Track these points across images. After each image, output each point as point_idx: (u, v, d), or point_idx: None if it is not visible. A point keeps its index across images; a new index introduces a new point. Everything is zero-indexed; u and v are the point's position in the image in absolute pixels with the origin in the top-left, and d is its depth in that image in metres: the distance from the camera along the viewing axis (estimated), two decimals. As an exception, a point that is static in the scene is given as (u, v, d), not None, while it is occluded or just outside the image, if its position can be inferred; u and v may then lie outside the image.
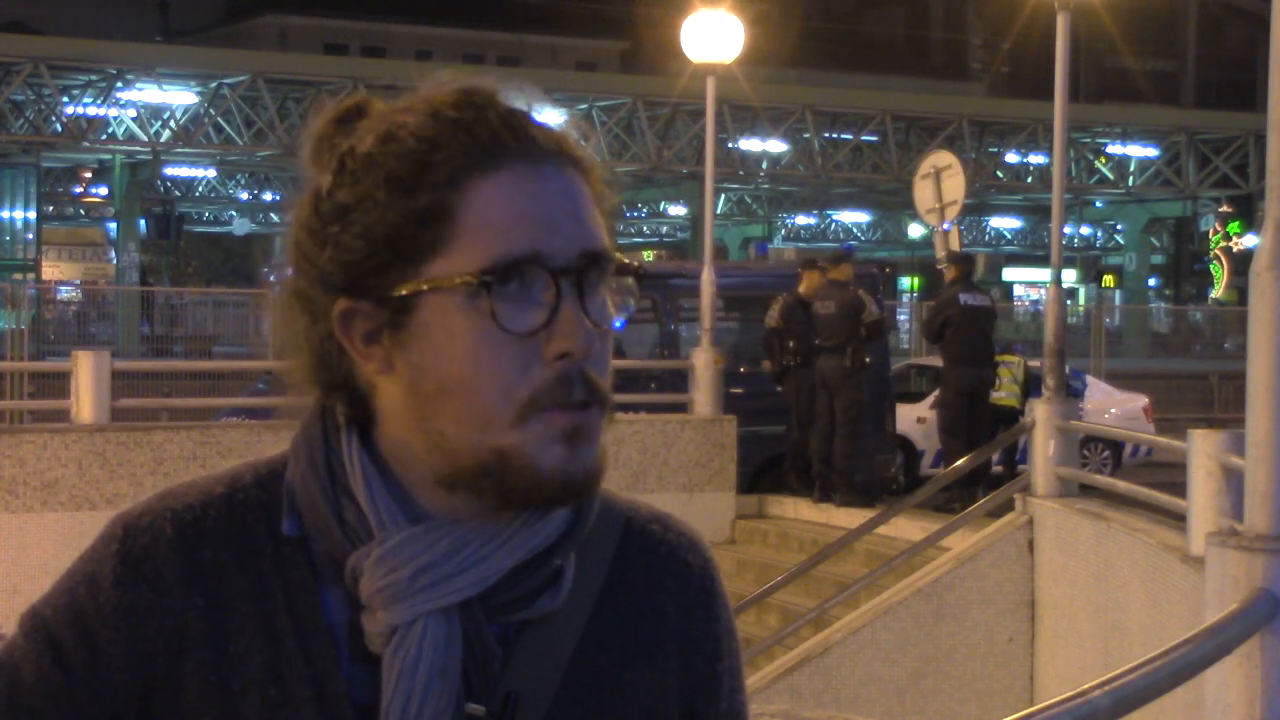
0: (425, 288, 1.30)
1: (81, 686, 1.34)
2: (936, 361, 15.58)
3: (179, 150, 37.42)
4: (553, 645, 1.37)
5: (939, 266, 15.56)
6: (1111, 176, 44.24)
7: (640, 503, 1.49)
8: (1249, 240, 43.07)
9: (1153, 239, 50.51)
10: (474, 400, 1.30)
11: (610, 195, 1.39)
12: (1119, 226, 51.26)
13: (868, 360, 13.78)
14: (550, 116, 1.38)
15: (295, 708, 1.33)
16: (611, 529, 1.44)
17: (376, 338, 1.33)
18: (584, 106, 38.05)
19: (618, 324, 1.35)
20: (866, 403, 13.93)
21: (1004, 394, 14.57)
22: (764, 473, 15.23)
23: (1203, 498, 7.59)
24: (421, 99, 1.35)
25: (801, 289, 14.19)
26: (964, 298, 14.00)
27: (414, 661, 1.31)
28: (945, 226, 16.60)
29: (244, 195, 47.52)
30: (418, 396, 1.32)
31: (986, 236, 54.05)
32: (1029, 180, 43.43)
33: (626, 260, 1.36)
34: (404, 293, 1.31)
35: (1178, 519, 8.55)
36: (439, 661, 1.31)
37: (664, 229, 54.00)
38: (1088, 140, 42.59)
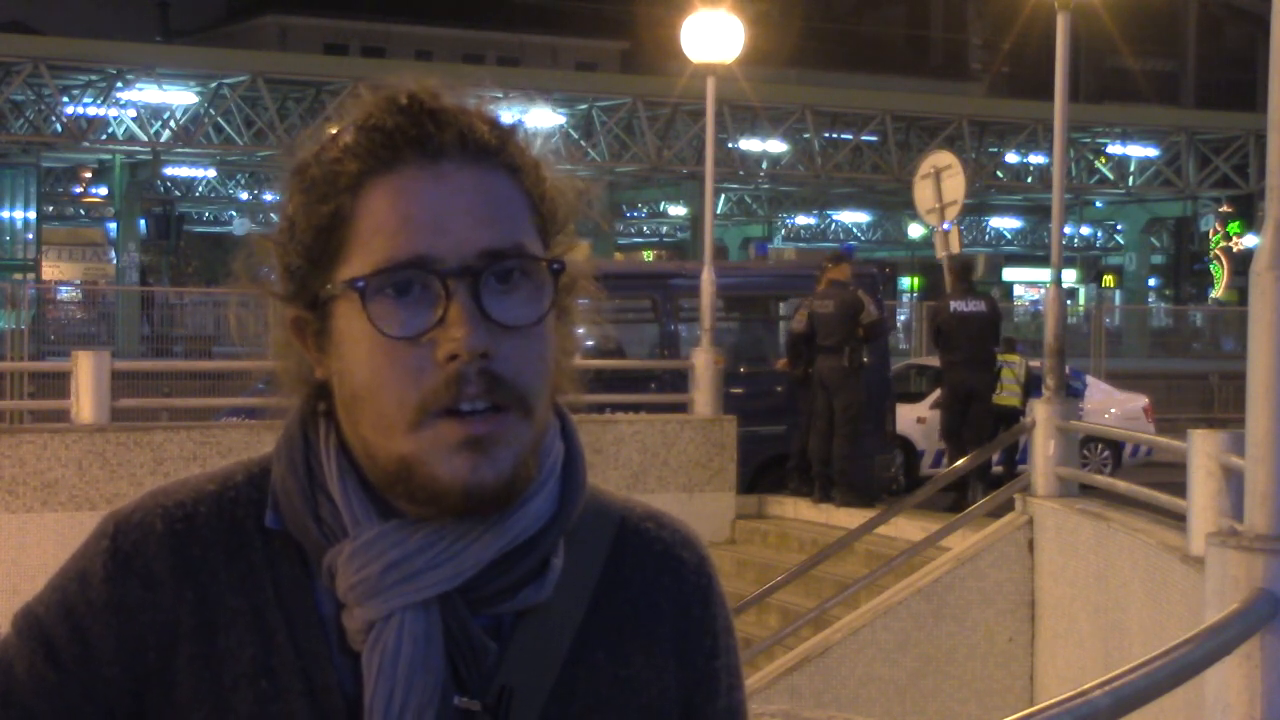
0: (325, 295, 1.33)
1: (73, 682, 1.34)
2: (936, 362, 15.59)
3: (179, 150, 37.42)
4: (548, 641, 1.37)
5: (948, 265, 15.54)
6: (1111, 176, 44.25)
7: (636, 501, 1.49)
8: (1249, 240, 43.06)
9: (1153, 239, 50.50)
10: (376, 406, 1.31)
11: (552, 189, 1.37)
12: (1119, 226, 51.25)
13: (865, 360, 13.78)
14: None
15: (287, 700, 1.33)
16: (606, 527, 1.44)
17: (322, 344, 1.35)
18: (584, 106, 38.08)
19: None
20: (866, 403, 13.91)
21: (1005, 394, 14.58)
22: (764, 473, 15.21)
23: (1203, 498, 7.58)
24: (361, 104, 1.36)
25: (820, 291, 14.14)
26: (954, 305, 14.23)
27: (393, 656, 1.31)
28: (945, 226, 16.59)
29: (244, 195, 47.47)
30: (342, 401, 1.35)
31: (986, 236, 54.03)
32: (1029, 180, 43.44)
33: (541, 255, 1.34)
34: (320, 299, 1.34)
35: (1178, 519, 8.54)
36: (419, 655, 1.31)
37: (664, 229, 54.01)
38: (1088, 140, 42.59)
